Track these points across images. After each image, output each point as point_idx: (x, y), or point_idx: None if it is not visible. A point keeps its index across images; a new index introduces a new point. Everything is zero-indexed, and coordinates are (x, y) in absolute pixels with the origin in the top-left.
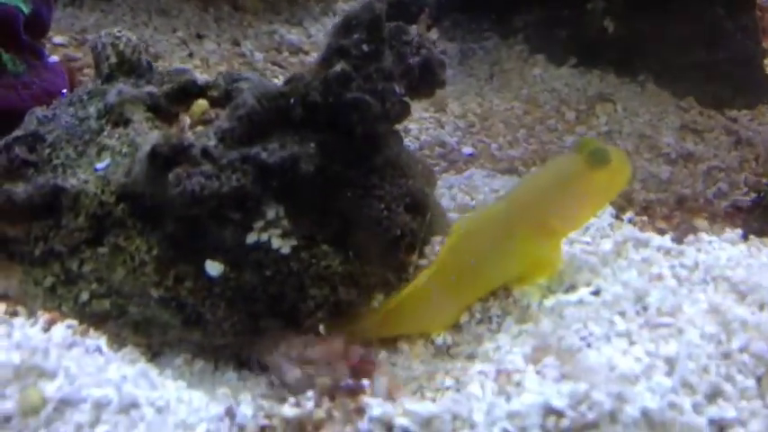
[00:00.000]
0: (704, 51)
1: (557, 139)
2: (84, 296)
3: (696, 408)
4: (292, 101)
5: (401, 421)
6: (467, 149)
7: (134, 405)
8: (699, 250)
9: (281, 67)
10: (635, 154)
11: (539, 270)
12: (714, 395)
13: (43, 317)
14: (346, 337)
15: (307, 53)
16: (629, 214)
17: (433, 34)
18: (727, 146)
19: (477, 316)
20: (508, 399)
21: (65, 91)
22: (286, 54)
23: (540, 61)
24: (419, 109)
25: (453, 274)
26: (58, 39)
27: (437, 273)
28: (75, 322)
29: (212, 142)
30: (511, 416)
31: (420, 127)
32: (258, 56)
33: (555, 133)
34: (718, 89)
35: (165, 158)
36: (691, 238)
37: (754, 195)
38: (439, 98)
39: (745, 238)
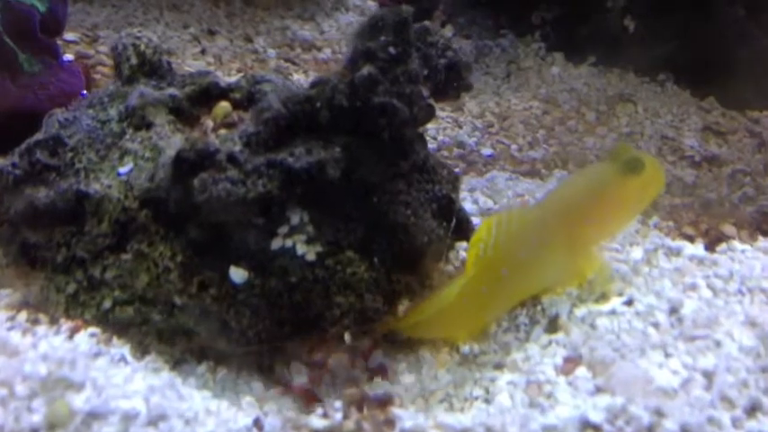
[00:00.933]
0: (725, 51)
1: (577, 140)
2: (108, 303)
3: (735, 422)
4: (318, 105)
5: None
6: (486, 150)
7: (162, 417)
8: (732, 260)
9: (293, 63)
10: (658, 157)
11: (569, 278)
12: (753, 409)
13: (66, 324)
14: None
15: (319, 49)
16: (654, 219)
17: (448, 31)
18: (750, 149)
19: (504, 324)
20: (542, 411)
21: (85, 92)
22: (299, 51)
23: (559, 60)
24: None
25: (485, 285)
26: (69, 35)
27: (468, 283)
28: (98, 330)
29: (238, 147)
30: (547, 429)
31: (437, 127)
32: (271, 52)
33: (575, 134)
34: (739, 90)
35: (191, 164)
36: (723, 246)
37: None
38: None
39: None
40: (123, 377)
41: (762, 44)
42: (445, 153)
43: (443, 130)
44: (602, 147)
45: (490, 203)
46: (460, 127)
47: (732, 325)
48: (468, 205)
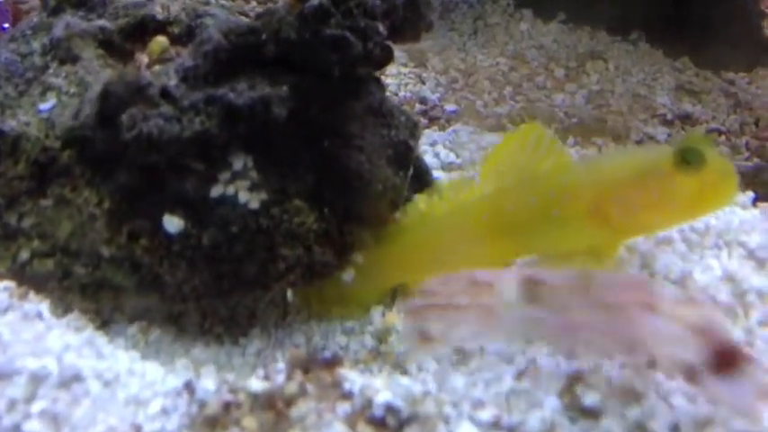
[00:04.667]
0: (701, 10)
1: (545, 96)
2: (24, 255)
3: None
4: (264, 37)
5: (383, 397)
6: (450, 106)
7: (77, 378)
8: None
9: (248, 17)
10: (629, 114)
11: (580, 259)
12: None
13: None
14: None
15: (276, 3)
16: None
17: None
18: (725, 108)
19: None
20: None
21: (6, 26)
22: (254, 4)
23: (527, 16)
24: (398, 64)
25: (487, 212)
26: None
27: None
28: (12, 284)
29: (173, 81)
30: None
31: (399, 82)
32: (224, 4)
33: (543, 91)
34: (714, 50)
35: (119, 99)
36: None
37: (756, 160)
38: (419, 53)
39: (755, 202)
40: (35, 334)
41: (739, 3)
42: (406, 108)
43: (405, 85)
44: (571, 104)
45: (452, 157)
46: (423, 83)
47: (707, 280)
48: (429, 159)
